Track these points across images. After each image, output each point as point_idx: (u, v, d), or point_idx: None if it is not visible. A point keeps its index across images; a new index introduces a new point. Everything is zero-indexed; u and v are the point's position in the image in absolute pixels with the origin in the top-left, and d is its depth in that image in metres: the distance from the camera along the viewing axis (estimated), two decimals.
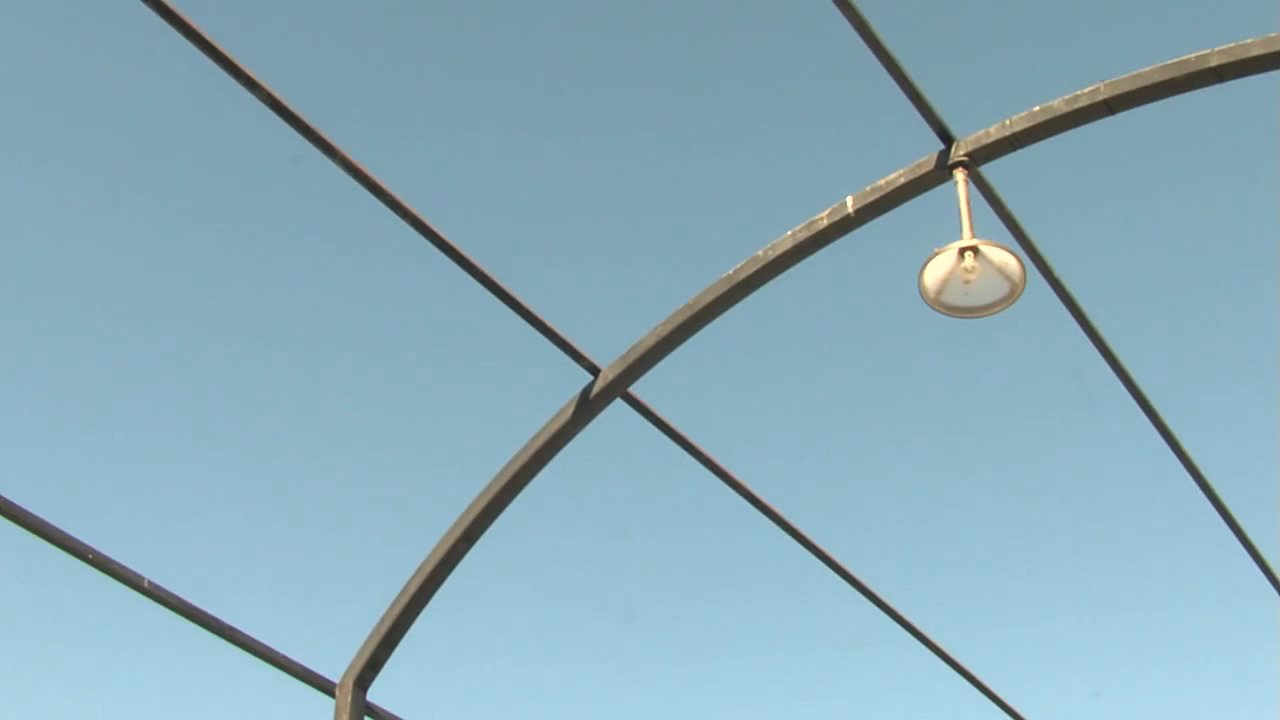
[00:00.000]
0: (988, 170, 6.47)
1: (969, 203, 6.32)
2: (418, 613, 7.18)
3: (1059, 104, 6.28)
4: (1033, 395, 17.27)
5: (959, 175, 6.37)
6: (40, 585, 14.76)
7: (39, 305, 15.56)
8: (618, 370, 6.94)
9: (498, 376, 16.88)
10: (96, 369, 16.16)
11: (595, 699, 17.14)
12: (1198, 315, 17.41)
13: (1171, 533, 17.42)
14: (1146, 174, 17.06)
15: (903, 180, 6.52)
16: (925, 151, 6.48)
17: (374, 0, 15.85)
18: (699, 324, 6.87)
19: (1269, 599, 9.41)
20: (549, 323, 6.65)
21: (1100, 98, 6.19)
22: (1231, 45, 5.97)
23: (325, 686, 7.02)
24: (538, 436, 7.07)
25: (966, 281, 6.19)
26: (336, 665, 7.12)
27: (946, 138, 6.42)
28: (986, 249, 6.15)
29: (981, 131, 6.41)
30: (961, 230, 6.23)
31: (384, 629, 7.14)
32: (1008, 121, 6.36)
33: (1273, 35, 5.92)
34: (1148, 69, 6.12)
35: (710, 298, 6.79)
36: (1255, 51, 5.93)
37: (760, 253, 6.73)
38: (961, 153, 6.39)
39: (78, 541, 5.87)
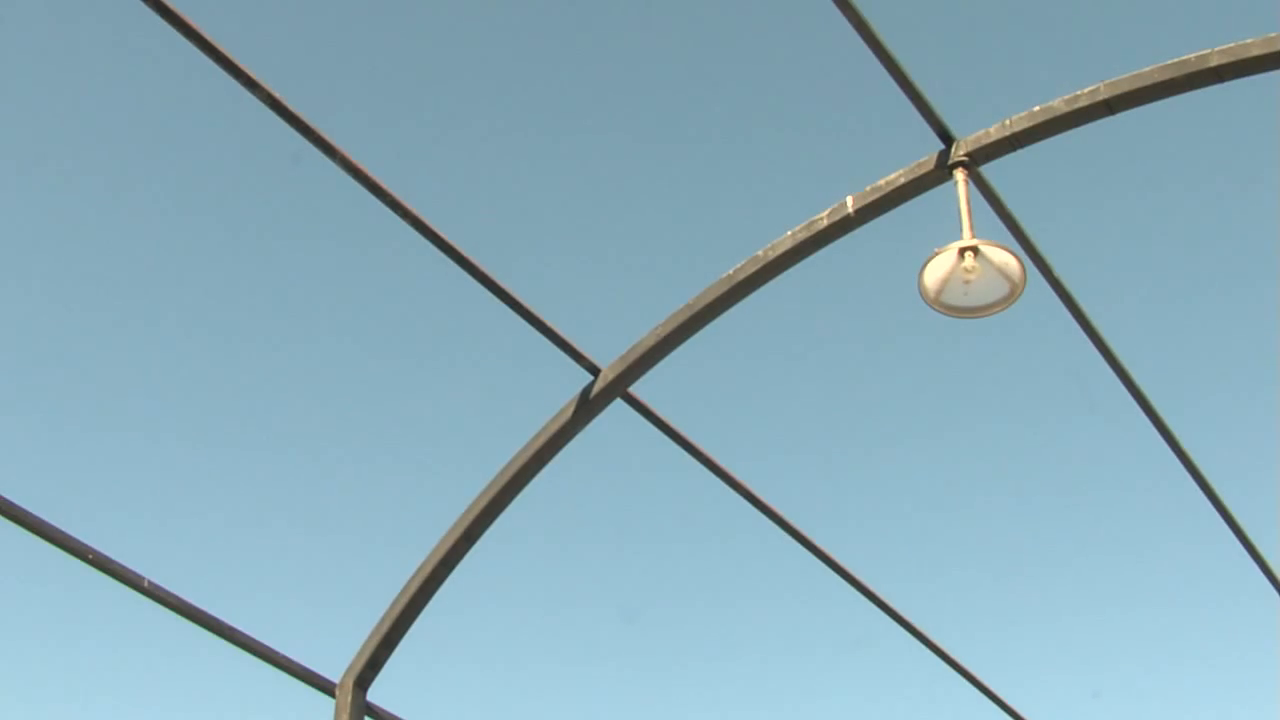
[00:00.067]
0: (988, 170, 6.47)
1: (969, 203, 6.32)
2: (418, 613, 7.18)
3: (1059, 104, 6.28)
4: (1033, 395, 17.28)
5: (959, 175, 6.37)
6: (40, 585, 14.76)
7: (39, 305, 15.57)
8: (618, 370, 6.94)
9: (498, 376, 16.88)
10: (96, 369, 16.16)
11: (595, 699, 17.15)
12: (1198, 315, 17.42)
13: (1171, 533, 17.43)
14: (1146, 174, 17.06)
15: (903, 180, 6.52)
16: (925, 151, 6.48)
17: (374, 0, 15.86)
18: (699, 324, 6.87)
19: (1269, 599, 9.41)
20: (549, 323, 6.66)
21: (1100, 98, 6.19)
22: (1231, 45, 5.97)
23: (325, 686, 7.02)
24: (538, 436, 7.07)
25: (966, 281, 6.19)
26: (336, 665, 7.12)
27: (946, 138, 6.42)
28: (986, 249, 6.15)
29: (981, 131, 6.41)
30: (961, 230, 6.23)
31: (384, 629, 7.14)
32: (1008, 121, 6.36)
33: (1273, 35, 5.92)
34: (1148, 69, 6.12)
35: (710, 298, 6.80)
36: (1255, 51, 5.93)
37: (760, 253, 6.73)
38: (961, 153, 6.39)
39: (78, 541, 5.87)
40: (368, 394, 16.91)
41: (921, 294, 6.27)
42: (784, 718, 17.01)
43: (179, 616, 6.27)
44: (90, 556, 5.90)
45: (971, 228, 6.24)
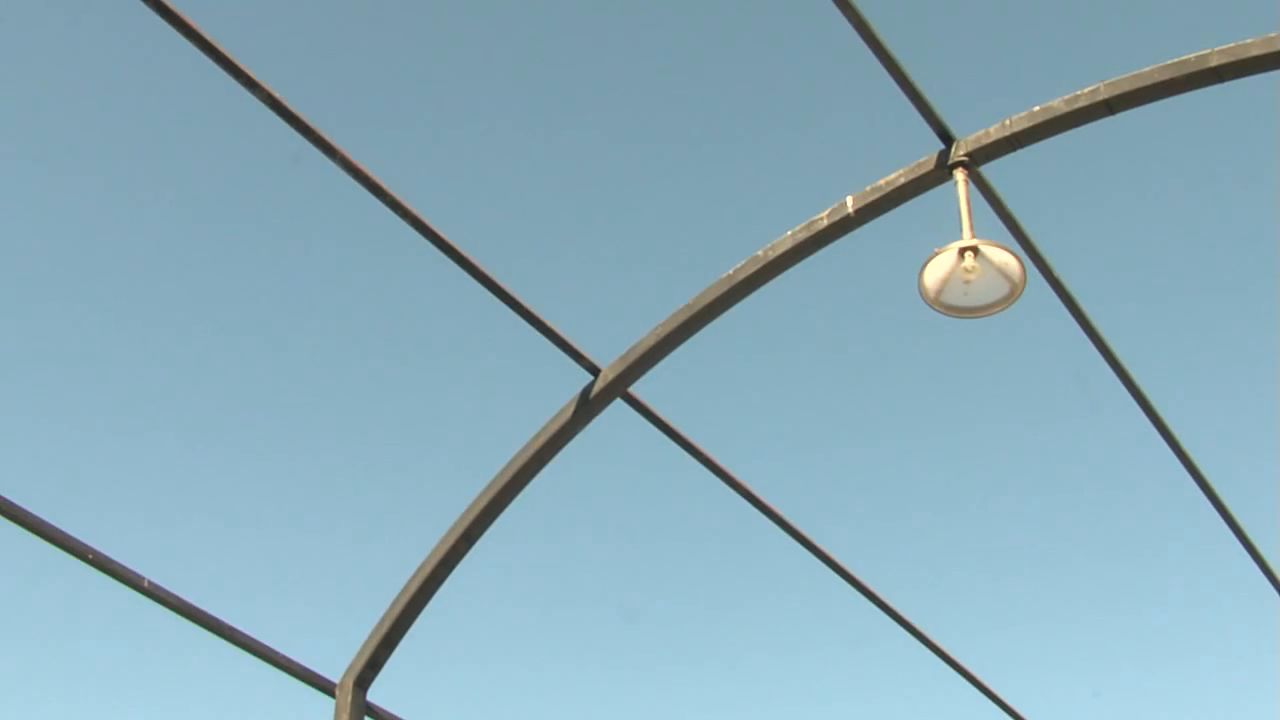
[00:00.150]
0: (988, 170, 6.47)
1: (969, 203, 6.32)
2: (418, 613, 7.18)
3: (1059, 104, 6.28)
4: (1033, 395, 17.28)
5: (959, 175, 6.37)
6: (40, 585, 14.76)
7: (39, 305, 15.57)
8: (618, 370, 6.94)
9: (498, 376, 16.89)
10: (96, 369, 16.17)
11: (595, 699, 17.15)
12: (1198, 315, 17.42)
13: (1171, 533, 17.44)
14: (1146, 174, 17.06)
15: (903, 180, 6.52)
16: (925, 151, 6.48)
17: (374, 0, 15.86)
18: (699, 324, 6.87)
19: (1269, 599, 9.41)
20: (549, 323, 6.66)
21: (1100, 98, 6.19)
22: (1231, 45, 5.97)
23: (325, 686, 7.02)
24: (538, 436, 7.07)
25: (966, 281, 6.19)
26: (336, 665, 7.12)
27: (946, 138, 6.42)
28: (986, 249, 6.15)
29: (981, 131, 6.41)
30: (961, 230, 6.23)
31: (384, 629, 7.14)
32: (1008, 121, 6.36)
33: (1273, 35, 5.92)
34: (1148, 69, 6.12)
35: (710, 298, 6.79)
36: (1255, 51, 5.93)
37: (760, 253, 6.73)
38: (961, 153, 6.39)
39: (78, 541, 5.87)
40: (368, 394, 16.92)
41: (921, 294, 6.27)
42: (784, 718, 17.01)
43: (179, 616, 6.26)
44: (90, 556, 5.90)
45: (971, 228, 6.24)
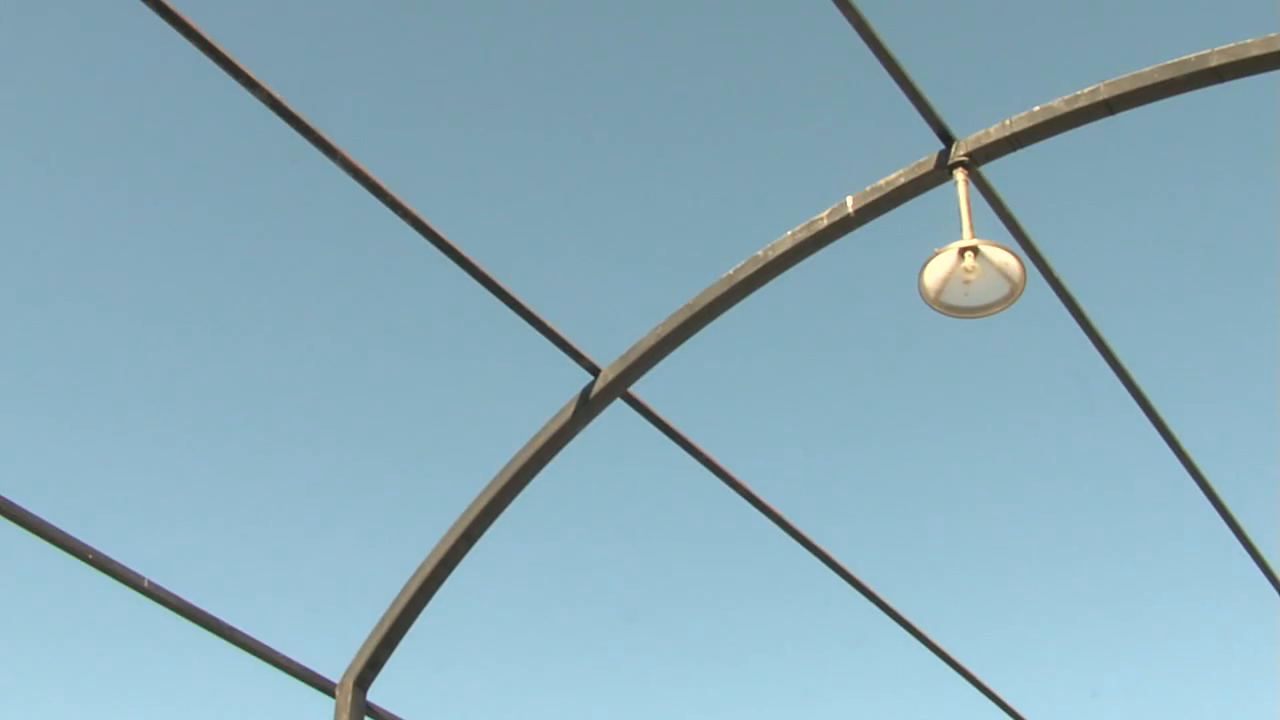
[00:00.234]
0: (988, 170, 6.47)
1: (969, 203, 6.32)
2: (418, 613, 7.18)
3: (1059, 104, 6.28)
4: (1033, 395, 17.28)
5: (959, 175, 6.37)
6: (40, 585, 14.76)
7: (39, 305, 15.57)
8: (618, 370, 6.94)
9: (498, 376, 16.89)
10: (96, 369, 16.17)
11: (595, 699, 17.15)
12: (1198, 315, 17.42)
13: (1171, 533, 17.43)
14: (1146, 174, 17.07)
15: (903, 180, 6.52)
16: (925, 151, 6.48)
17: (374, 0, 15.86)
18: (699, 324, 6.87)
19: (1269, 599, 9.41)
20: (549, 323, 6.65)
21: (1100, 98, 6.19)
22: (1231, 45, 5.97)
23: (325, 686, 7.02)
24: (538, 436, 7.07)
25: (966, 281, 6.19)
26: (336, 665, 7.12)
27: (946, 138, 6.42)
28: (986, 249, 6.15)
29: (981, 131, 6.41)
30: (961, 230, 6.23)
31: (384, 629, 7.14)
32: (1008, 121, 6.36)
33: (1273, 35, 5.91)
34: (1148, 69, 6.12)
35: (710, 298, 6.79)
36: (1255, 51, 5.93)
37: (760, 253, 6.73)
38: (961, 153, 6.39)
39: (78, 541, 5.86)
40: (368, 394, 16.92)
41: (921, 294, 6.27)
42: (784, 718, 17.01)
43: (179, 616, 6.26)
44: (90, 556, 5.90)
45: (971, 228, 6.24)
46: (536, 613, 17.16)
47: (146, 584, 6.09)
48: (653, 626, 17.21)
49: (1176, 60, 6.07)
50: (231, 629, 6.46)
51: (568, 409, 7.02)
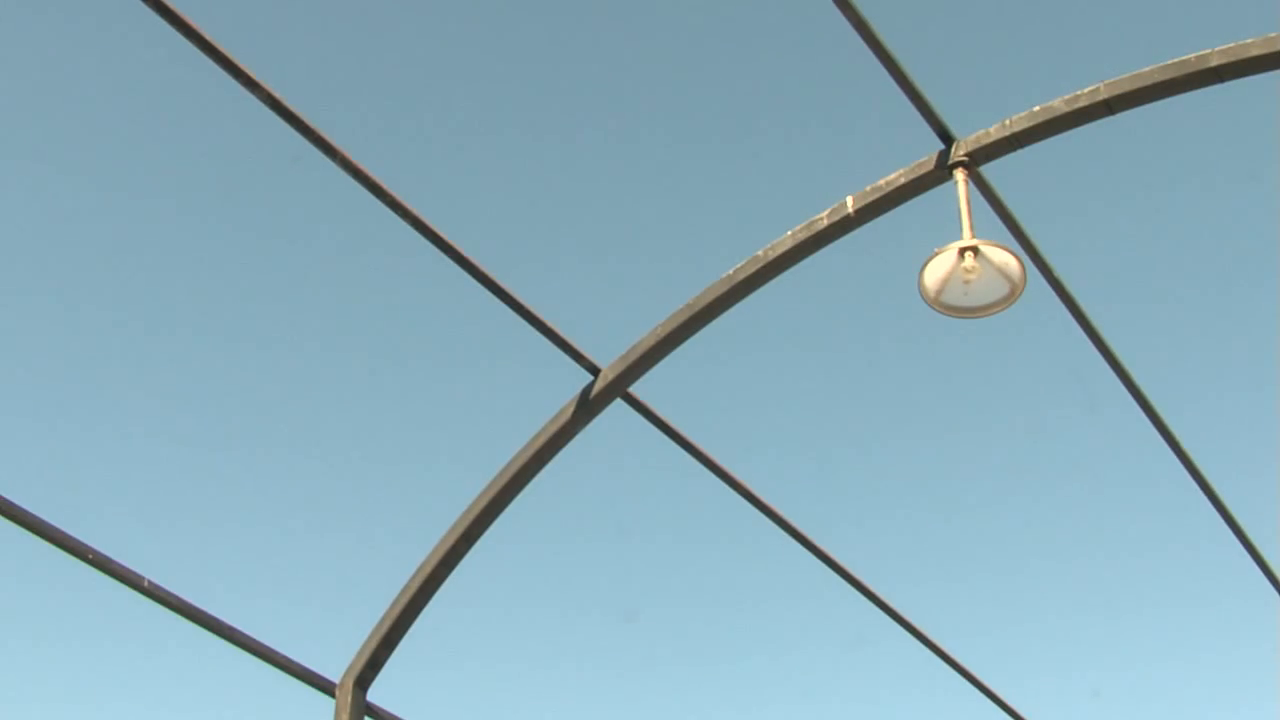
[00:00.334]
0: (988, 170, 6.47)
1: (969, 203, 6.32)
2: (418, 613, 7.18)
3: (1059, 104, 6.28)
4: (1033, 395, 17.28)
5: (959, 175, 6.37)
6: (40, 585, 14.76)
7: (39, 305, 15.57)
8: (618, 370, 6.94)
9: (498, 376, 16.89)
10: (97, 369, 16.17)
11: (595, 699, 17.15)
12: (1198, 315, 17.42)
13: (1171, 533, 17.42)
14: (1146, 174, 17.07)
15: (903, 180, 6.52)
16: (925, 151, 6.48)
17: (374, 0, 15.86)
18: (699, 324, 6.87)
19: (1269, 599, 9.42)
20: (549, 323, 6.65)
21: (1100, 98, 6.19)
22: (1231, 45, 5.97)
23: (325, 686, 7.02)
24: (538, 436, 7.07)
25: (966, 281, 6.19)
26: (336, 665, 7.12)
27: (946, 138, 6.42)
28: (986, 249, 6.15)
29: (981, 131, 6.41)
30: (961, 230, 6.23)
31: (384, 629, 7.14)
32: (1008, 121, 6.36)
33: (1273, 35, 5.91)
34: (1148, 69, 6.12)
35: (710, 298, 6.79)
36: (1255, 51, 5.93)
37: (760, 253, 6.73)
38: (961, 153, 6.39)
39: (78, 541, 5.86)
40: (368, 394, 16.92)
41: (921, 294, 6.27)
42: (784, 718, 17.01)
43: (179, 616, 6.26)
44: (90, 556, 5.90)
45: (971, 228, 6.24)
46: (536, 612, 17.17)
47: (146, 584, 6.09)
48: (653, 626, 17.22)
49: (1176, 60, 6.06)
50: (231, 629, 6.46)
51: (568, 409, 7.02)
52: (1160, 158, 16.95)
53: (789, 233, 6.69)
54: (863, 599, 7.93)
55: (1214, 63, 5.98)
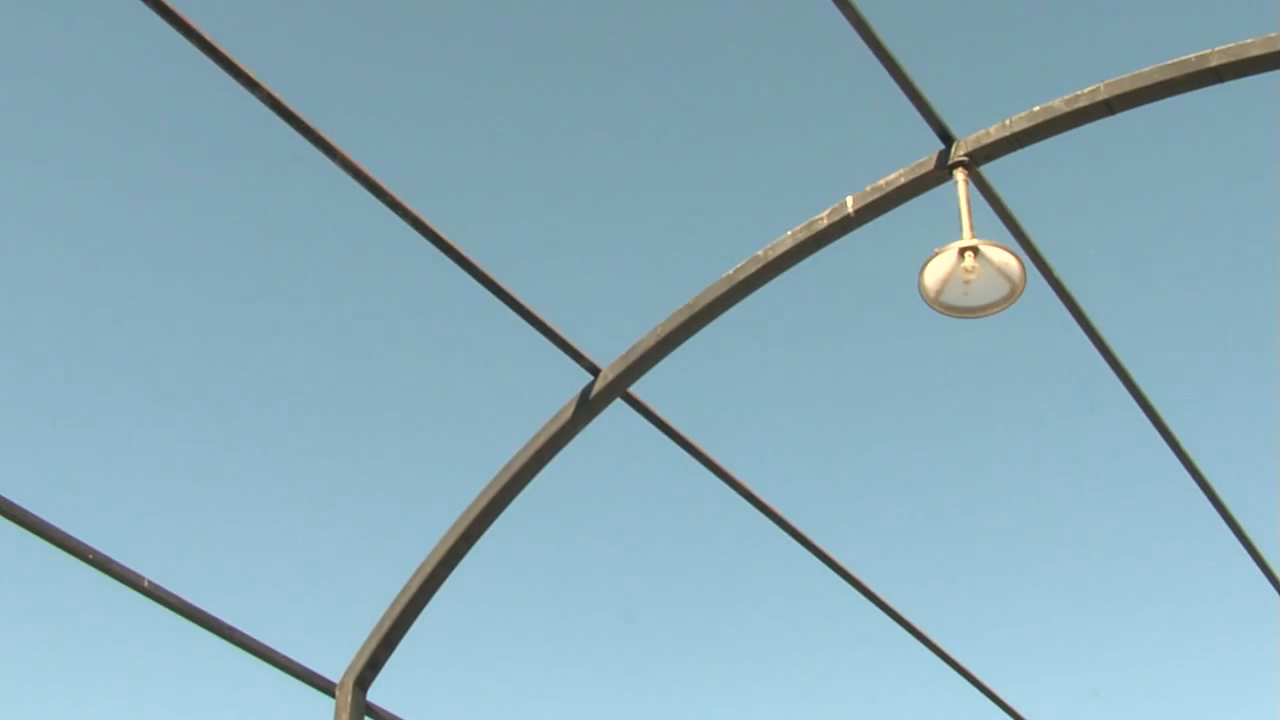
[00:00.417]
0: (988, 170, 6.47)
1: (969, 203, 6.32)
2: (418, 613, 7.18)
3: (1059, 104, 6.28)
4: (1033, 395, 17.28)
5: (959, 175, 6.37)
6: (40, 585, 14.76)
7: (39, 305, 15.57)
8: (618, 370, 6.94)
9: (498, 376, 16.89)
10: (96, 369, 16.17)
11: (595, 699, 17.15)
12: (1198, 315, 17.42)
13: (1171, 533, 17.43)
14: (1146, 174, 17.07)
15: (903, 180, 6.52)
16: (925, 151, 6.48)
17: (374, 0, 15.86)
18: (699, 324, 6.87)
19: (1269, 599, 9.42)
20: (549, 323, 6.65)
21: (1100, 98, 6.19)
22: (1231, 45, 5.97)
23: (325, 686, 7.02)
24: (538, 436, 7.07)
25: (966, 281, 6.19)
26: (336, 665, 7.12)
27: (946, 138, 6.42)
28: (986, 249, 6.15)
29: (981, 131, 6.41)
30: (961, 230, 6.23)
31: (384, 629, 7.14)
32: (1008, 121, 6.36)
33: (1273, 35, 5.92)
34: (1148, 69, 6.12)
35: (710, 298, 6.79)
36: (1255, 51, 5.93)
37: (760, 253, 6.73)
38: (961, 153, 6.39)
39: (78, 541, 5.87)
40: (368, 394, 16.92)
41: (921, 294, 6.27)
42: (784, 718, 17.02)
43: (179, 616, 6.26)
44: (90, 556, 5.90)
45: (971, 228, 6.24)
46: (536, 612, 17.17)
47: (146, 584, 6.09)
48: (653, 626, 17.22)
49: (1176, 60, 6.06)
50: (231, 629, 6.46)
51: (568, 409, 7.02)
52: (1160, 158, 16.97)
53: (789, 233, 6.70)
54: (863, 599, 7.93)
55: (1214, 63, 5.98)
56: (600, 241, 17.64)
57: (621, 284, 17.24)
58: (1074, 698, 16.74)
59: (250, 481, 16.81)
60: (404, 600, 7.16)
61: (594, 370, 6.96)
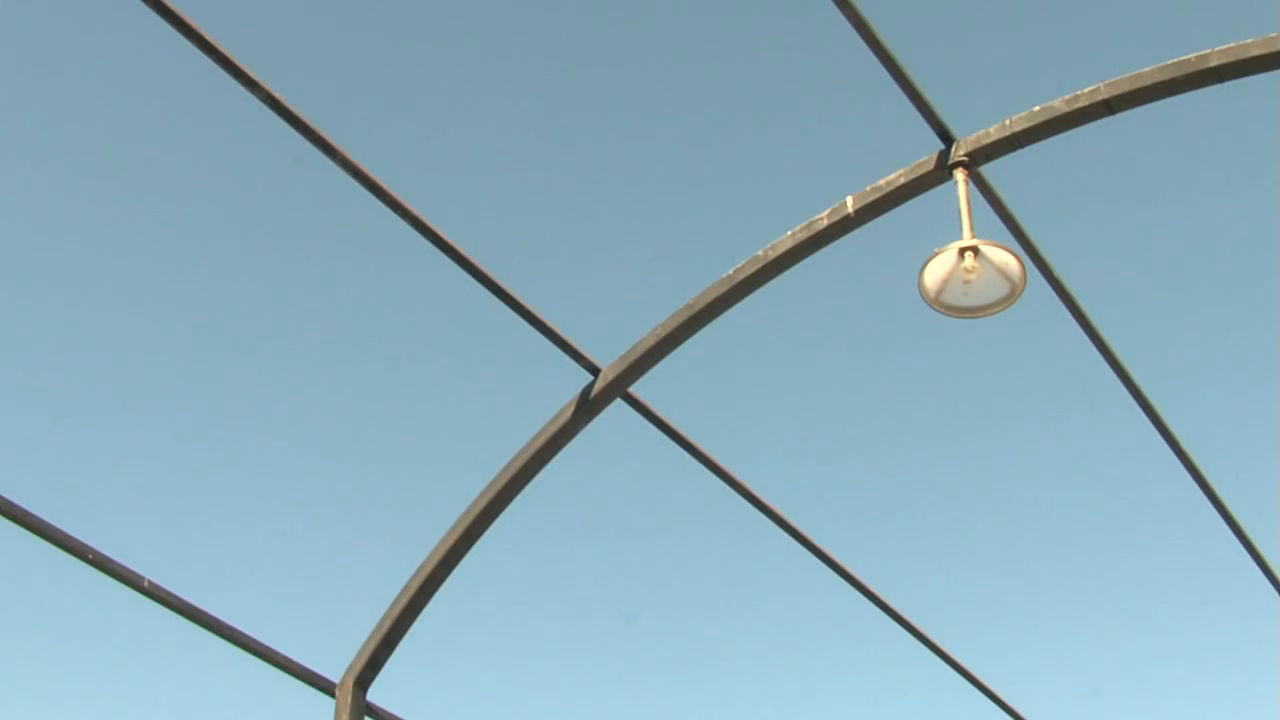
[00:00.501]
0: (988, 170, 6.47)
1: (969, 203, 6.32)
2: (418, 613, 7.18)
3: (1059, 104, 6.28)
4: (1033, 396, 17.28)
5: (959, 175, 6.37)
6: (40, 585, 14.77)
7: (39, 305, 15.57)
8: (618, 370, 6.94)
9: (498, 376, 16.89)
10: (97, 369, 16.17)
11: (595, 699, 17.15)
12: (1198, 315, 17.42)
13: (1171, 533, 17.44)
14: (1146, 174, 17.07)
15: (903, 180, 6.52)
16: (925, 151, 6.48)
17: (374, 0, 15.86)
18: (699, 324, 6.87)
19: (1269, 599, 9.42)
20: (549, 323, 6.65)
21: (1100, 98, 6.19)
22: (1231, 45, 5.97)
23: (325, 686, 7.02)
24: (538, 436, 7.07)
25: (966, 281, 6.19)
26: (336, 665, 7.12)
27: (946, 138, 6.42)
28: (986, 249, 6.15)
29: (981, 131, 6.41)
30: (961, 230, 6.23)
31: (384, 629, 7.14)
32: (1008, 121, 6.36)
33: (1273, 35, 5.91)
34: (1148, 69, 6.12)
35: (710, 298, 6.79)
36: (1255, 51, 5.93)
37: (760, 253, 6.73)
38: (961, 153, 6.39)
39: (78, 541, 5.87)
40: (368, 394, 16.93)
41: (921, 294, 6.27)
42: (784, 718, 17.02)
43: (179, 616, 6.26)
44: (90, 556, 5.90)
45: (971, 228, 6.24)
46: (536, 612, 17.17)
47: (146, 584, 6.09)
48: (653, 627, 17.22)
49: (1176, 60, 6.06)
50: (231, 629, 6.46)
51: (568, 409, 7.02)
52: (1160, 158, 16.96)
53: (789, 233, 6.70)
54: (863, 599, 7.93)
55: (1214, 63, 5.98)
56: (600, 241, 17.65)
57: (621, 284, 17.25)
58: (1074, 698, 16.75)
59: (250, 481, 16.82)
60: (404, 600, 7.16)
61: (594, 370, 6.96)
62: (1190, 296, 17.30)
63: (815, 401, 17.42)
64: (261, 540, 16.79)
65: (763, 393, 16.96)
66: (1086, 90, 6.22)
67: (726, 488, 7.36)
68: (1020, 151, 6.41)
